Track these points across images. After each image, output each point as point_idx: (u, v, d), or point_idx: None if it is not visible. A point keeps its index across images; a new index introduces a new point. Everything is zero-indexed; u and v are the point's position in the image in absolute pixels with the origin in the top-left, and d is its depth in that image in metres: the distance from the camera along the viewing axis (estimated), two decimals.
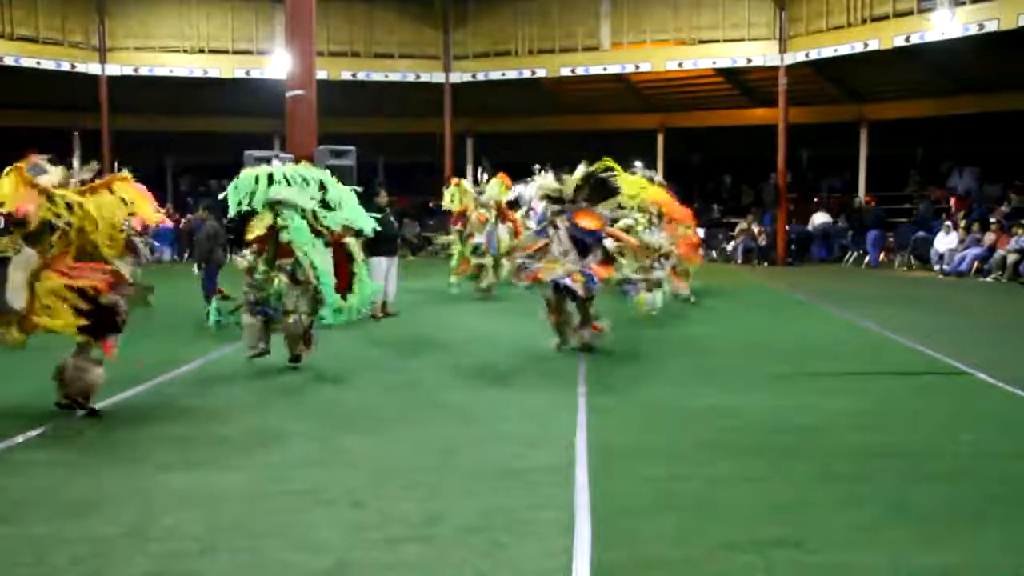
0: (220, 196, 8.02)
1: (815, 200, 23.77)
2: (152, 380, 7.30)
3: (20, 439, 5.54)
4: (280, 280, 7.71)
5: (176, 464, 5.06)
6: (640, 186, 10.53)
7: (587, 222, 8.19)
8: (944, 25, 17.46)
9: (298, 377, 7.69)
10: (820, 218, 21.64)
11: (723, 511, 4.28)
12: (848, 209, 22.27)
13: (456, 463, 5.06)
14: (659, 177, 12.41)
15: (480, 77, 23.37)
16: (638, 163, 12.20)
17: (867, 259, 20.18)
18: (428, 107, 23.32)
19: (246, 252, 7.93)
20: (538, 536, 3.97)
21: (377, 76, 23.16)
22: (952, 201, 20.67)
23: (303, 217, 7.58)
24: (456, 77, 23.46)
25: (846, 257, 20.97)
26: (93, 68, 21.68)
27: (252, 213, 10.97)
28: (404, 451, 5.31)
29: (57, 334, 5.82)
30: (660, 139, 24.42)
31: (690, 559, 3.74)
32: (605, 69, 22.45)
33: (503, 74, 23.20)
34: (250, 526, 4.07)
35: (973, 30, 17.18)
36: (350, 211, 7.85)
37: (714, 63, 21.64)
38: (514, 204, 11.38)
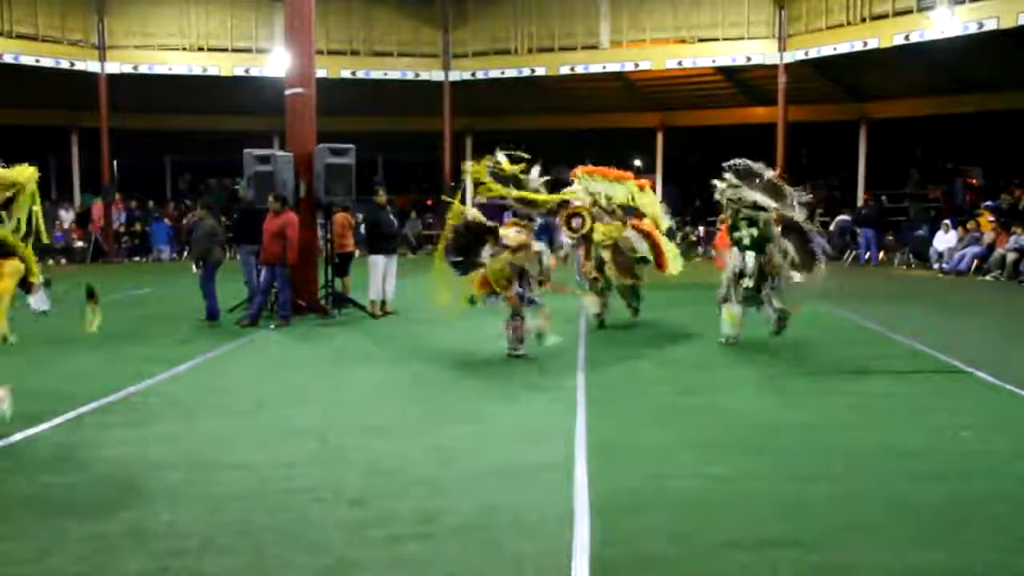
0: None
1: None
2: (151, 378, 7.30)
3: (20, 437, 5.54)
4: None
5: (176, 462, 5.06)
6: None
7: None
8: (944, 23, 17.45)
9: (297, 376, 7.70)
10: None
11: (722, 509, 4.28)
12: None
13: (456, 461, 5.06)
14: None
15: (479, 75, 23.36)
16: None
17: (867, 256, 20.17)
18: (427, 105, 23.31)
19: None
20: (538, 534, 3.97)
21: (376, 74, 23.14)
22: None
23: None
24: (455, 75, 23.45)
25: (845, 255, 20.97)
26: (92, 66, 21.64)
27: (254, 212, 11.01)
28: (403, 449, 5.32)
29: None
30: (659, 137, 24.44)
31: (689, 557, 3.75)
32: (604, 68, 22.43)
33: (502, 72, 23.19)
34: (250, 524, 4.08)
35: (973, 28, 17.17)
36: None
37: (714, 61, 21.63)
38: None
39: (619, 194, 9.86)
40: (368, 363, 8.25)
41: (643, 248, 9.77)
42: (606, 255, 9.61)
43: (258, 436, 5.63)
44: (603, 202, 9.72)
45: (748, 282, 8.74)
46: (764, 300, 8.90)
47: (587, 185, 9.76)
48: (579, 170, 9.93)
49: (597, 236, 9.54)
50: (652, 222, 10.09)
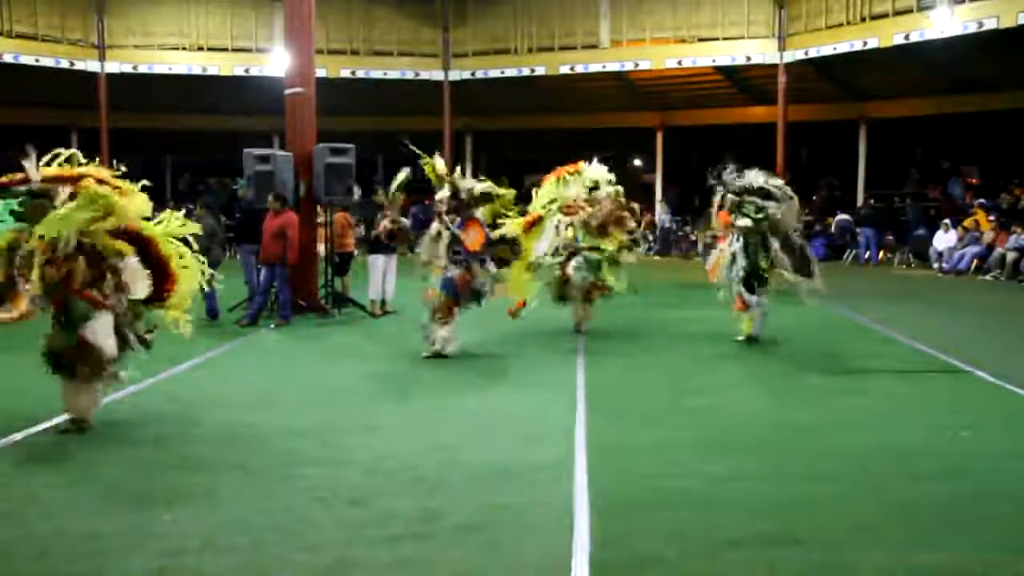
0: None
1: (812, 198, 23.80)
2: (152, 377, 7.29)
3: (20, 436, 5.54)
4: None
5: (175, 462, 5.06)
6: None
7: (471, 239, 8.19)
8: (943, 23, 17.45)
9: (297, 375, 7.69)
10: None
11: (722, 509, 4.28)
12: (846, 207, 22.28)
13: (455, 461, 5.06)
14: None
15: (479, 75, 23.35)
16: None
17: (867, 255, 20.18)
18: (427, 105, 23.31)
19: None
20: (537, 534, 3.97)
21: (376, 74, 23.14)
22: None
23: None
24: (455, 75, 23.44)
25: (845, 255, 20.97)
26: (92, 66, 21.63)
27: (255, 212, 11.01)
28: (403, 449, 5.31)
29: None
30: (659, 137, 24.44)
31: (689, 556, 3.75)
32: (604, 67, 22.42)
33: (502, 72, 23.18)
34: (250, 524, 4.07)
35: (972, 28, 17.15)
36: None
37: (713, 61, 21.62)
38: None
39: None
40: (368, 362, 8.24)
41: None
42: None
43: (258, 436, 5.63)
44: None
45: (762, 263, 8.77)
46: (764, 299, 8.94)
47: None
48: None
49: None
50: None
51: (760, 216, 8.65)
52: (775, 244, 8.75)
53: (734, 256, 8.91)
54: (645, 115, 24.46)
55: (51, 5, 21.30)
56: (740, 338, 9.01)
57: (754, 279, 8.81)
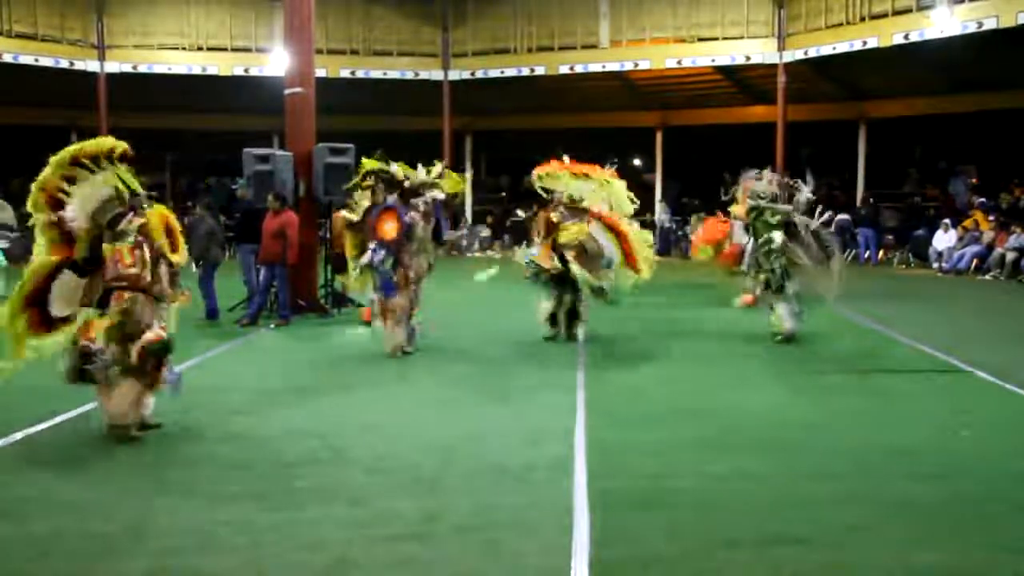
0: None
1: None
2: None
3: (20, 436, 5.54)
4: None
5: (175, 462, 5.06)
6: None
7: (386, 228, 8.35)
8: (943, 23, 17.45)
9: (297, 375, 7.68)
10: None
11: (722, 509, 4.28)
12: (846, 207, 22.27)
13: (455, 461, 5.06)
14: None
15: (479, 75, 23.35)
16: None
17: (867, 255, 20.17)
18: (427, 105, 23.31)
19: None
20: (537, 534, 3.97)
21: (376, 74, 23.13)
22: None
23: None
24: (455, 75, 23.43)
25: (845, 255, 20.96)
26: (92, 65, 21.63)
27: (254, 212, 11.00)
28: (403, 449, 5.31)
29: None
30: (659, 137, 24.43)
31: (689, 556, 3.75)
32: (604, 67, 22.41)
33: (502, 72, 23.17)
34: (250, 523, 4.07)
35: (972, 28, 17.16)
36: None
37: (713, 61, 21.62)
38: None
39: (587, 191, 9.21)
40: (367, 362, 8.24)
41: (609, 249, 9.16)
42: (570, 255, 8.96)
43: (258, 435, 5.63)
44: (565, 200, 9.17)
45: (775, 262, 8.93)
46: (788, 299, 9.00)
47: (548, 185, 9.22)
48: (537, 170, 9.35)
49: (563, 239, 8.99)
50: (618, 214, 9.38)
51: (775, 222, 8.82)
52: (791, 244, 8.88)
53: (757, 259, 9.07)
54: (645, 115, 24.45)
55: (51, 5, 21.29)
56: (778, 337, 9.02)
57: (778, 282, 8.93)
